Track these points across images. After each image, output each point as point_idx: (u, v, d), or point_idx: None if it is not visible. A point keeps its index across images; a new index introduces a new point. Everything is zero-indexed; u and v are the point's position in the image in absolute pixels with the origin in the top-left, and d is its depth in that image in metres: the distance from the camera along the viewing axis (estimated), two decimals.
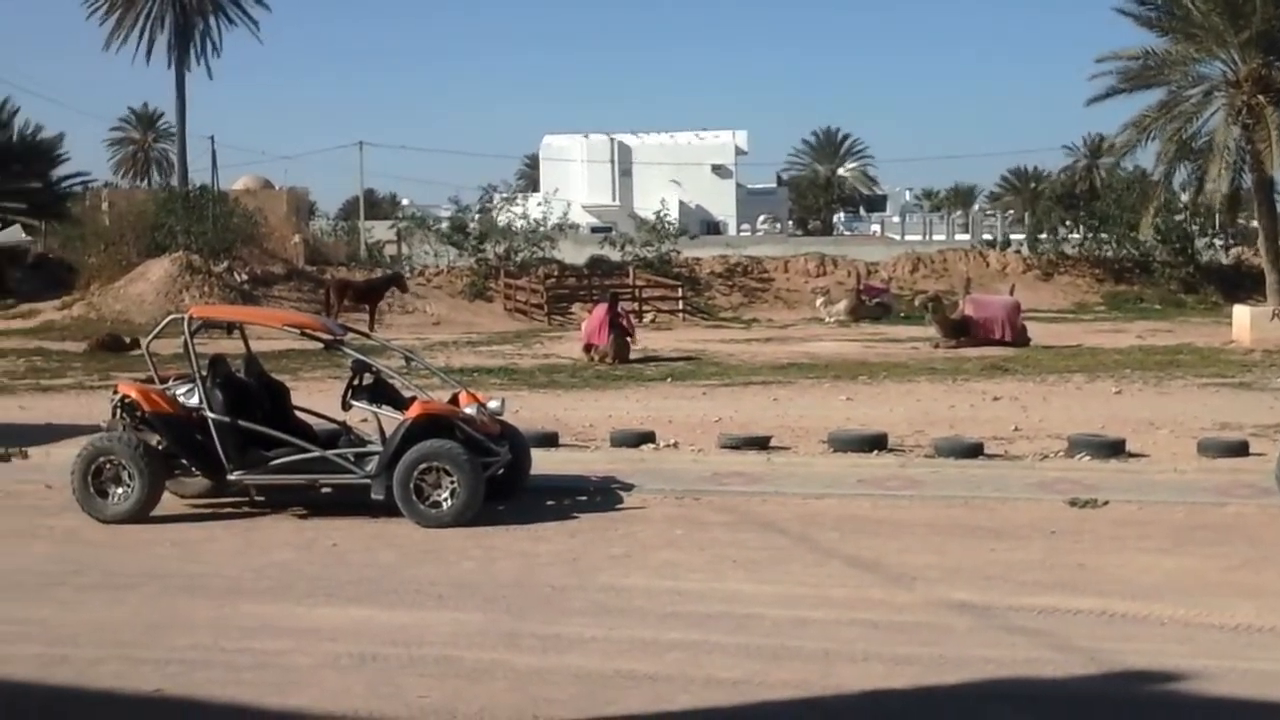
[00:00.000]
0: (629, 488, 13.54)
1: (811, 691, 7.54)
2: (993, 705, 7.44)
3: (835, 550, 11.04)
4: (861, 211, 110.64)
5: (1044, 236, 53.68)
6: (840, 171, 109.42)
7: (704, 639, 8.44)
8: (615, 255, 51.75)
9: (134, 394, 12.71)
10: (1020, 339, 30.49)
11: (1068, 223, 55.03)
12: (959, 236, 76.06)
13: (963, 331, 30.51)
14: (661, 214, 52.74)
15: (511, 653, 8.18)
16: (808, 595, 9.62)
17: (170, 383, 13.12)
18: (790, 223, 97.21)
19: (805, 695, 7.48)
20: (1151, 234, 47.04)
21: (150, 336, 13.99)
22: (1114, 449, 14.75)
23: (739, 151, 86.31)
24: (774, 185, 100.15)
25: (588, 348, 28.11)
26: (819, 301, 43.90)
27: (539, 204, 53.38)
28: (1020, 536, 11.50)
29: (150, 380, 13.24)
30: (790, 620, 8.91)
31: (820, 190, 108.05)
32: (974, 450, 14.80)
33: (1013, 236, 61.98)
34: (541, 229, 51.22)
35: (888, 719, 7.36)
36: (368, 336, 18.21)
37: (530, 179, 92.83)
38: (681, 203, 73.10)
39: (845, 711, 7.37)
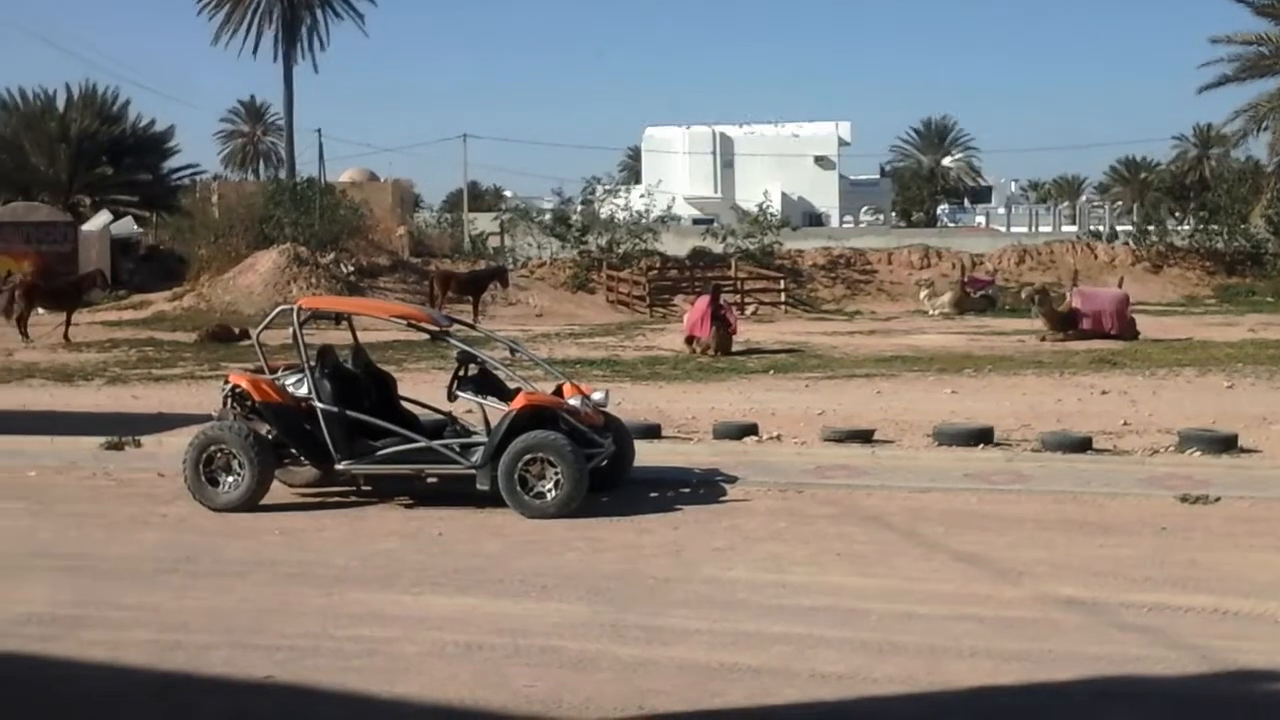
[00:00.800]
0: (732, 480, 13.52)
1: (918, 687, 7.48)
2: (1103, 703, 7.34)
3: (941, 544, 10.95)
4: (966, 203, 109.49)
5: (1153, 228, 52.79)
6: (945, 162, 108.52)
7: (809, 632, 8.41)
8: (717, 247, 51.69)
9: (245, 384, 12.88)
10: (1129, 332, 30.04)
11: (1177, 214, 54.17)
12: (1065, 228, 74.97)
13: (1070, 324, 30.13)
14: (764, 206, 52.58)
15: (616, 644, 8.20)
16: (914, 590, 9.55)
17: (279, 373, 13.28)
18: (894, 214, 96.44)
19: (912, 691, 7.43)
20: (1263, 225, 46.12)
21: (260, 327, 14.18)
22: (1226, 444, 14.49)
23: (842, 143, 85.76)
24: (877, 177, 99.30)
25: (690, 340, 28.09)
26: (923, 294, 43.53)
27: (641, 196, 53.47)
28: (1130, 532, 11.33)
29: (260, 370, 13.42)
30: (896, 615, 8.85)
31: (924, 181, 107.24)
32: (1082, 445, 14.60)
33: (1120, 228, 61.02)
34: (643, 221, 51.25)
35: (995, 715, 7.28)
36: (472, 328, 18.32)
37: (632, 171, 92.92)
38: (784, 194, 72.79)
39: (952, 707, 7.31)
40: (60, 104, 67.11)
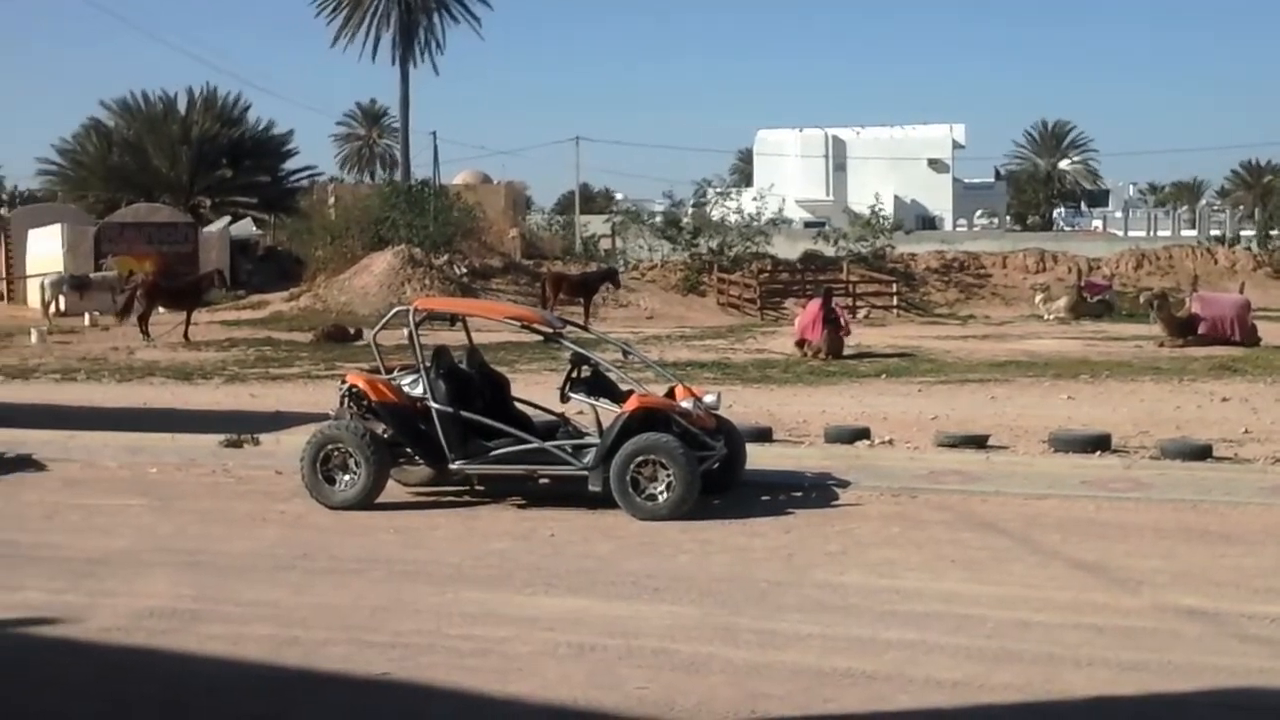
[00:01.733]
0: (844, 484, 13.44)
1: (1035, 696, 7.38)
2: (1223, 715, 7.20)
3: (1058, 552, 10.80)
4: (1083, 206, 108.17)
5: (1275, 233, 51.71)
6: (1061, 165, 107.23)
7: (922, 639, 8.34)
8: (829, 250, 51.48)
9: (361, 384, 13.02)
10: (1250, 339, 29.47)
11: None
12: (1185, 233, 73.89)
13: (1189, 330, 29.62)
14: (876, 209, 52.25)
15: (728, 647, 8.18)
16: (1030, 597, 9.43)
17: (395, 373, 13.41)
18: (1009, 218, 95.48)
19: (1028, 700, 7.33)
20: None
21: (377, 328, 14.35)
22: None
23: (956, 145, 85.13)
24: (992, 180, 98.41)
25: (801, 343, 28.01)
26: (1038, 298, 43.03)
27: (753, 199, 53.36)
28: (1252, 542, 11.11)
29: (376, 370, 13.57)
30: (1011, 622, 8.75)
31: (1040, 185, 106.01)
32: (1202, 452, 14.32)
33: (1242, 233, 59.92)
34: (755, 224, 51.19)
35: None
36: (585, 330, 18.40)
37: (744, 174, 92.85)
38: (897, 197, 72.34)
39: (1070, 717, 7.21)
40: (182, 107, 68.30)
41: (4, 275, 50.26)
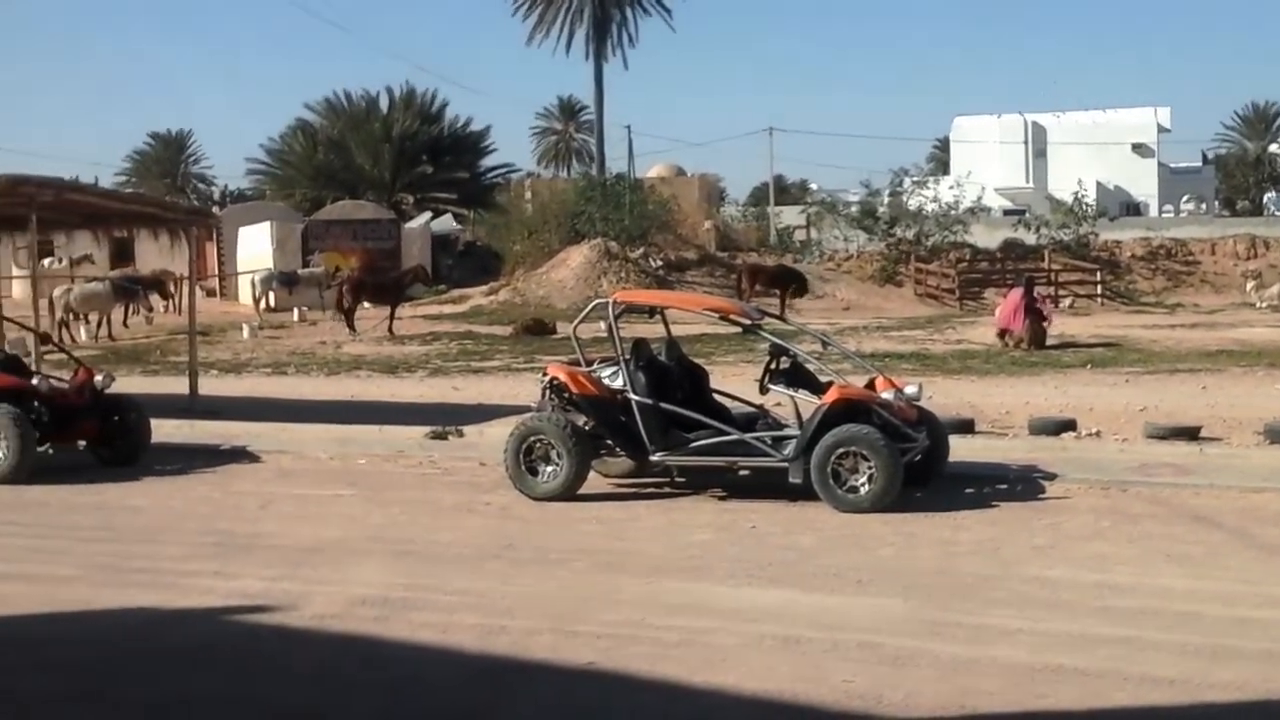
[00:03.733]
0: (1051, 477, 13.16)
1: (1255, 694, 7.13)
2: None
3: (1277, 547, 10.44)
4: None
5: None
6: (1272, 148, 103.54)
7: (1137, 635, 8.11)
8: (1030, 238, 50.57)
9: (563, 376, 13.15)
10: None
11: None
12: None
13: None
14: (1079, 195, 51.13)
15: (935, 641, 8.07)
16: (1248, 593, 9.12)
17: (595, 366, 13.52)
18: (1217, 203, 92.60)
19: (1249, 698, 7.09)
20: None
21: (577, 320, 14.49)
22: None
23: (1161, 129, 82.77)
24: (1199, 164, 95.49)
25: (1002, 333, 27.60)
26: (1249, 285, 41.73)
27: (950, 187, 52.67)
28: None
29: (576, 363, 13.69)
30: (1230, 619, 8.47)
31: (1249, 169, 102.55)
32: None
33: None
34: (953, 212, 50.52)
35: None
36: (783, 321, 18.32)
37: (941, 162, 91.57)
38: (1099, 183, 70.76)
39: None
40: (383, 105, 69.81)
41: (216, 272, 51.93)
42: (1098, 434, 15.41)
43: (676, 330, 14.89)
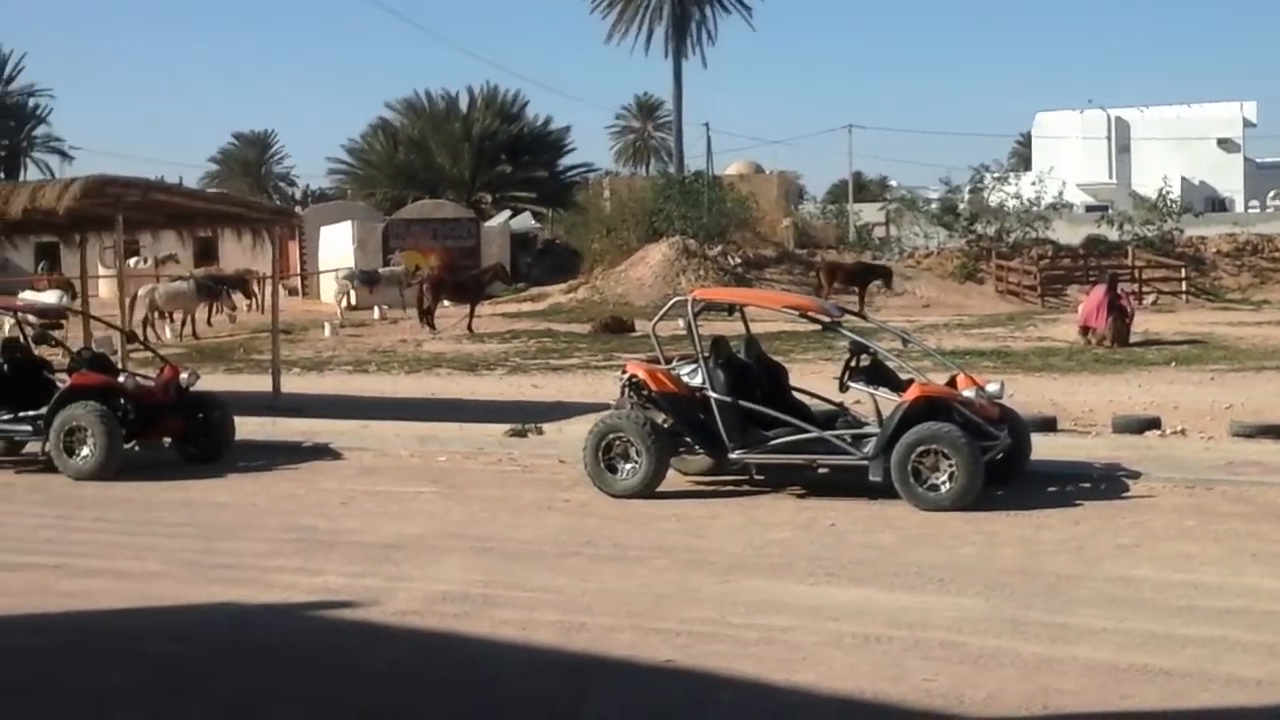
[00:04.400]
0: (1134, 475, 13.01)
1: None
2: None
3: None
4: None
5: None
6: None
7: (1222, 635, 8.01)
8: (1113, 235, 50.03)
9: (642, 374, 13.16)
10: None
11: None
12: None
13: None
14: (1163, 191, 50.51)
15: (1017, 640, 8.01)
16: None
17: (674, 363, 13.53)
18: None
19: None
20: None
21: (656, 318, 14.50)
22: None
23: (1247, 123, 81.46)
24: None
25: (1084, 330, 27.37)
26: None
27: (1032, 183, 52.19)
28: None
29: (655, 360, 13.70)
30: None
31: None
32: None
33: None
34: (1034, 209, 50.07)
35: None
36: (863, 318, 18.25)
37: (1022, 158, 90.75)
38: (1184, 179, 69.80)
39: None
40: (463, 105, 70.21)
41: (298, 271, 52.43)
42: (1182, 432, 15.23)
43: (755, 328, 14.88)
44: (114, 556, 10.97)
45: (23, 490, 14.29)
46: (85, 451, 14.44)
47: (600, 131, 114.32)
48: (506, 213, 59.32)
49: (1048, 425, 15.30)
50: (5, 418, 15.32)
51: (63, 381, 15.57)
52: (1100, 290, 27.60)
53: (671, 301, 14.67)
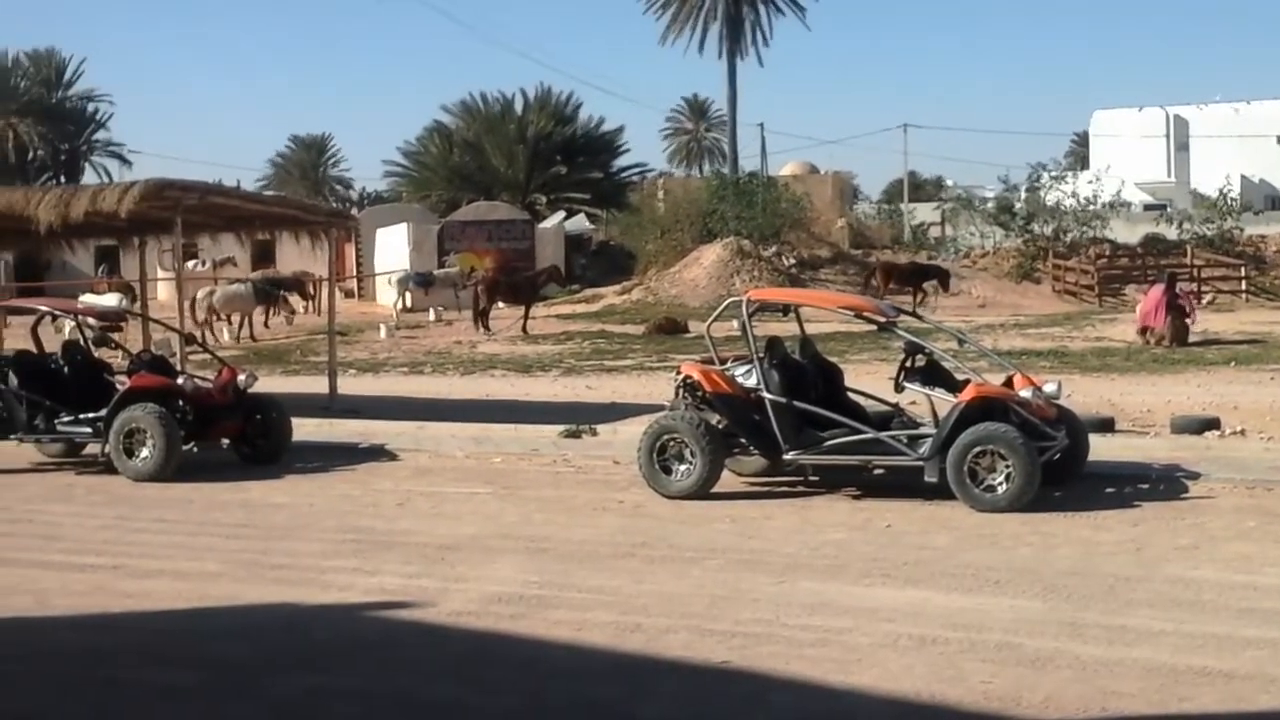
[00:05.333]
0: (1194, 476, 12.90)
1: None
2: None
3: None
4: None
5: None
6: None
7: None
8: (1171, 233, 49.59)
9: (696, 375, 13.15)
10: None
11: None
12: None
13: None
14: (1223, 189, 50.03)
15: (1075, 642, 7.95)
16: None
17: (729, 364, 13.51)
18: None
19: None
20: None
21: (711, 319, 14.49)
22: None
23: None
24: None
25: (1143, 330, 27.15)
26: None
27: (1089, 182, 51.77)
28: None
29: (710, 361, 13.69)
30: None
31: None
32: None
33: None
34: (1092, 208, 49.69)
35: None
36: (919, 318, 18.18)
37: (1079, 156, 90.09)
38: (1244, 177, 69.13)
39: None
40: (518, 107, 70.36)
41: (355, 273, 52.72)
42: (1242, 432, 15.08)
43: (810, 328, 14.84)
44: (173, 557, 11.07)
45: (83, 491, 14.44)
46: (144, 453, 14.58)
47: (653, 132, 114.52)
48: (561, 214, 59.37)
49: (1106, 426, 15.19)
50: (66, 420, 15.47)
51: (122, 384, 15.74)
52: (1159, 289, 27.37)
53: (726, 302, 14.66)
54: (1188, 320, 27.03)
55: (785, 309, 14.70)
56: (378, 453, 15.96)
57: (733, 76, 67.89)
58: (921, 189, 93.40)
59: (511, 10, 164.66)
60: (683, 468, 12.80)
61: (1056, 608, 8.74)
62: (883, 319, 13.62)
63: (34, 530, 12.43)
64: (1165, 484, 12.75)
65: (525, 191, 64.67)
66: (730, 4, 66.65)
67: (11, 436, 15.80)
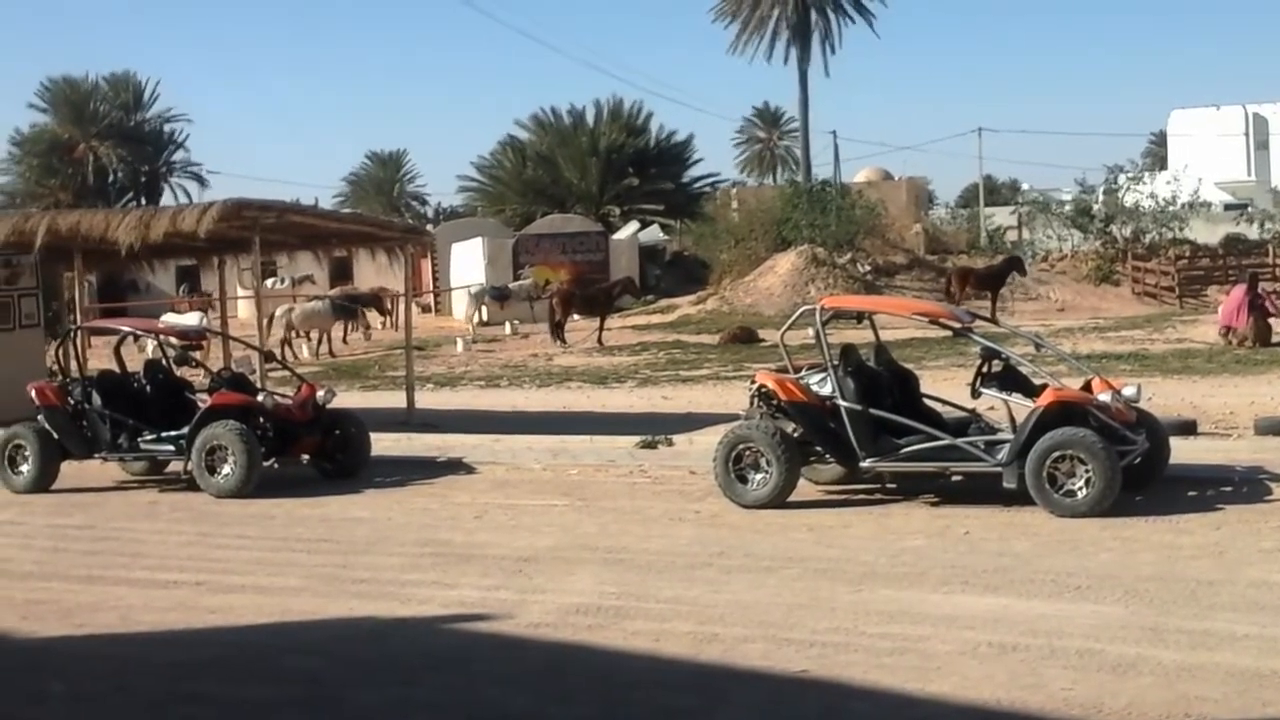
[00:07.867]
0: (1278, 478, 12.72)
1: None
2: None
3: None
4: None
5: None
6: None
7: None
8: (1253, 233, 48.96)
9: (771, 383, 13.13)
10: None
11: None
12: None
13: None
14: None
15: (1157, 648, 7.88)
16: None
17: (803, 372, 13.47)
18: None
19: None
20: None
21: (785, 328, 14.47)
22: None
23: None
24: None
25: (1225, 331, 26.81)
26: None
27: (1167, 182, 51.20)
28: None
29: (785, 370, 13.66)
30: None
31: None
32: None
33: None
34: (1171, 208, 49.13)
35: None
36: (994, 323, 18.06)
37: (1157, 157, 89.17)
38: None
39: None
40: (590, 119, 70.60)
41: (431, 288, 53.08)
42: None
43: (885, 335, 14.79)
44: (255, 572, 11.20)
45: (166, 508, 14.64)
46: (226, 470, 14.75)
47: (725, 142, 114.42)
48: (634, 225, 59.48)
49: (1187, 428, 15.01)
50: (149, 438, 15.69)
51: (203, 401, 15.94)
52: (1240, 290, 27.03)
53: (800, 310, 14.62)
54: (1270, 320, 26.66)
55: (859, 316, 14.66)
56: (455, 466, 16.05)
57: (804, 84, 67.75)
58: (997, 193, 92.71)
59: (582, 22, 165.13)
60: (759, 477, 12.79)
61: (1138, 613, 8.66)
62: (958, 324, 13.55)
63: (118, 548, 12.63)
64: (1248, 486, 12.59)
65: (599, 204, 64.82)
66: (799, 12, 66.49)
67: (96, 455, 16.04)
